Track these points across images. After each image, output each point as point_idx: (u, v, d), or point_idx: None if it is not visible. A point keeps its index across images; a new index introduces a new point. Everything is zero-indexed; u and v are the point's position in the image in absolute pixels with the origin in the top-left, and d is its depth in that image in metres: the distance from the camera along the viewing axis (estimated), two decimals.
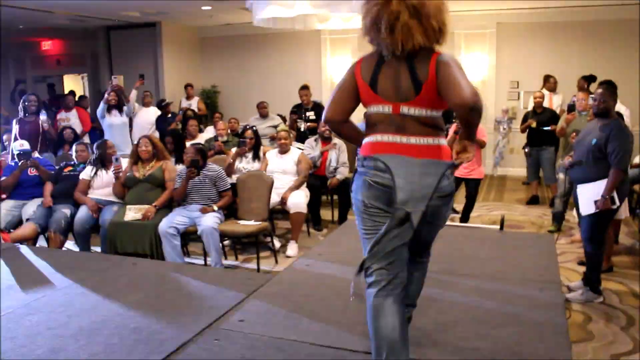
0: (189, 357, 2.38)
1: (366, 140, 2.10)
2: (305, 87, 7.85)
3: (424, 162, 1.97)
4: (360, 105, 2.17)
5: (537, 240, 4.14)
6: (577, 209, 4.39)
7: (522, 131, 7.66)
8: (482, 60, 9.79)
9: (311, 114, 7.72)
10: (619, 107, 5.87)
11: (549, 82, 8.45)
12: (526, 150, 7.63)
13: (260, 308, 2.86)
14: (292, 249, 5.57)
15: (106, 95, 7.39)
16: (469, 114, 1.86)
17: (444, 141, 2.05)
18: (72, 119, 8.47)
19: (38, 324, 2.73)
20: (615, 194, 4.09)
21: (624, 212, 5.24)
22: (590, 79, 7.38)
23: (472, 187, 6.05)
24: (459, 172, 5.89)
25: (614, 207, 4.13)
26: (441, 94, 1.94)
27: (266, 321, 2.69)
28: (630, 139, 4.16)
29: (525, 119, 7.64)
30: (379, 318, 1.99)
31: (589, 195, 4.19)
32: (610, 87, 4.28)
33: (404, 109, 1.99)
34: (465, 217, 6.19)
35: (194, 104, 10.11)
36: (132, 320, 2.76)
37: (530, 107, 8.32)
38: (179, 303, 2.99)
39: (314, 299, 2.97)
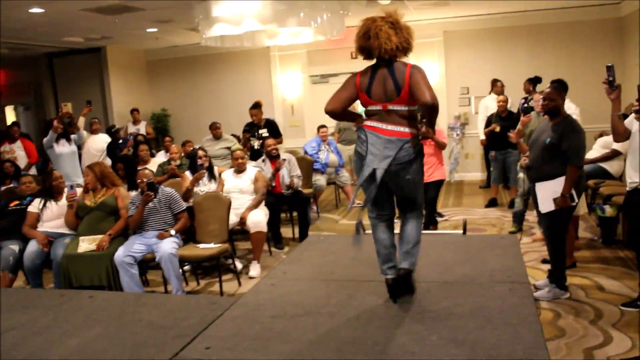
0: None
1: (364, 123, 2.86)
2: (255, 107, 7.73)
3: (387, 139, 2.72)
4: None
5: (500, 241, 4.12)
6: (537, 208, 4.42)
7: (486, 134, 7.67)
8: (432, 69, 9.91)
9: (264, 132, 7.62)
10: (569, 105, 5.98)
11: (497, 86, 8.59)
12: (492, 154, 7.63)
13: (226, 333, 2.73)
14: (254, 269, 5.44)
15: (54, 124, 7.12)
16: (429, 109, 2.66)
17: (411, 130, 2.74)
18: (17, 151, 8.15)
19: None
20: (573, 191, 4.13)
21: (581, 208, 5.32)
22: (535, 80, 7.52)
23: (433, 187, 6.04)
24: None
25: (574, 204, 4.17)
26: (411, 94, 2.69)
27: (234, 346, 2.56)
28: (583, 135, 4.22)
29: (489, 122, 7.67)
30: (376, 232, 2.95)
31: (548, 193, 4.22)
32: (558, 86, 4.34)
33: (390, 107, 2.74)
34: (429, 219, 6.16)
35: (142, 128, 9.91)
36: (91, 358, 2.58)
37: (481, 113, 8.43)
38: (141, 335, 2.82)
39: (282, 318, 2.85)
